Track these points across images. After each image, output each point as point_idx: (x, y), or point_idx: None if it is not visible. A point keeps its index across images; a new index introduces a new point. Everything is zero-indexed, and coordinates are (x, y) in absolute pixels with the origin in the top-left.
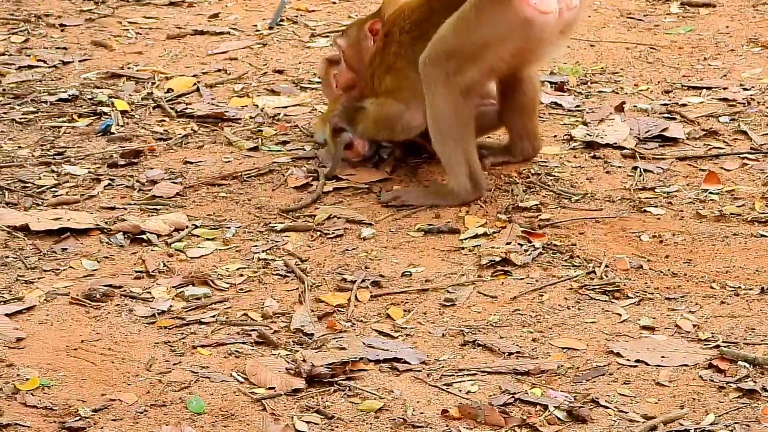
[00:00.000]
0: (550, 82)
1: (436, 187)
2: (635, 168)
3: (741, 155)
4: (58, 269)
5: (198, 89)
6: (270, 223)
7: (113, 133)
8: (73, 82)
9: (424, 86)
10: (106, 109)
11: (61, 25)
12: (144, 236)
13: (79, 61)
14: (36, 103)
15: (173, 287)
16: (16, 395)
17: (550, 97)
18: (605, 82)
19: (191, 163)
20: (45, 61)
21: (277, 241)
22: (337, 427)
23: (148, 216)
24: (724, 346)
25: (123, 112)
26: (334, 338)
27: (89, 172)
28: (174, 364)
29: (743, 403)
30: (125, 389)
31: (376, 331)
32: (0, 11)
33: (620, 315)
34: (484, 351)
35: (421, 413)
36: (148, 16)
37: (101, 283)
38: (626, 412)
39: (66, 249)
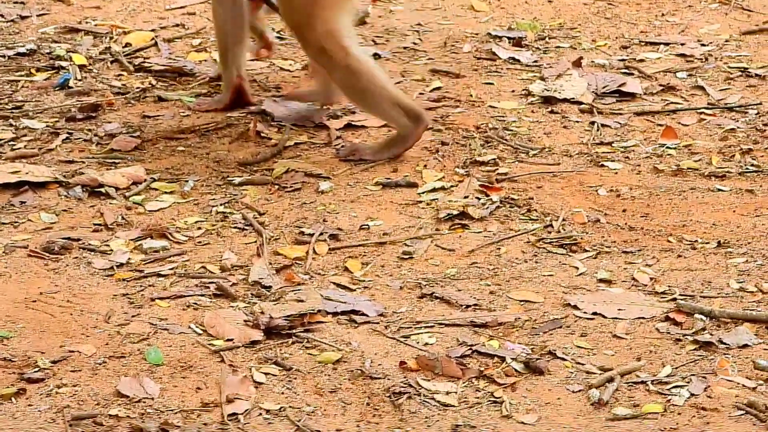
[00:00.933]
0: (508, 38)
1: (388, 139)
2: (593, 123)
3: (698, 110)
4: (17, 222)
5: (156, 44)
6: (228, 176)
7: (71, 88)
8: (30, 37)
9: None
10: (64, 64)
11: None
12: (102, 189)
13: (37, 15)
14: None
15: (131, 240)
16: None
17: (507, 52)
18: (563, 37)
19: (149, 117)
20: (3, 16)
21: (235, 195)
22: (295, 378)
23: (107, 169)
24: (681, 299)
25: (81, 67)
26: (292, 291)
27: (47, 126)
28: (132, 316)
29: (699, 356)
30: (84, 341)
31: (334, 283)
32: None
33: (577, 268)
34: (442, 303)
35: (379, 365)
36: None
37: (60, 236)
38: (583, 364)
39: (24, 202)
